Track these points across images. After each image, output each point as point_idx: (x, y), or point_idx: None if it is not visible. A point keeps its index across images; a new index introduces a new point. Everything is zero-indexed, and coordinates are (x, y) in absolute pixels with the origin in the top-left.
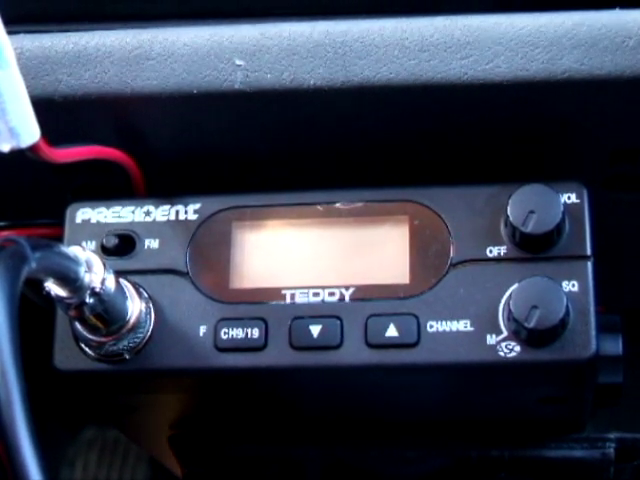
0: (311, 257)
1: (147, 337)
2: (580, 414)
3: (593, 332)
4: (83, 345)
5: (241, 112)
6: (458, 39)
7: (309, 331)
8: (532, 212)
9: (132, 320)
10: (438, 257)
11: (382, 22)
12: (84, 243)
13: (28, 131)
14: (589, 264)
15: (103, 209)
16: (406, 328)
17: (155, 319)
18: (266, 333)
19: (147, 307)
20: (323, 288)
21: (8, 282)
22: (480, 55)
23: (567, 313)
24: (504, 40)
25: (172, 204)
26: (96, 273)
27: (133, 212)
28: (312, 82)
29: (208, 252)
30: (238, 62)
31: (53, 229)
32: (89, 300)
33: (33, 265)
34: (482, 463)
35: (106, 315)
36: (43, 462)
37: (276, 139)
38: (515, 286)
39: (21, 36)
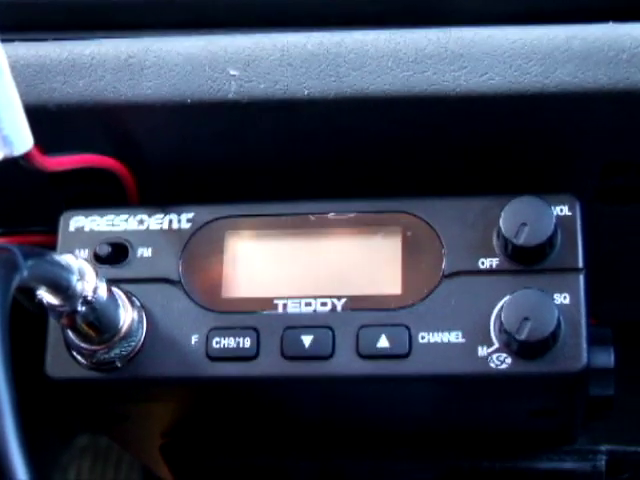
0: (303, 267)
1: (139, 346)
2: (571, 426)
3: (584, 345)
4: (75, 353)
5: (235, 122)
6: (452, 51)
7: (301, 341)
8: (524, 224)
9: (124, 329)
10: (430, 268)
11: (376, 33)
12: (77, 251)
13: (21, 139)
14: (581, 277)
15: (96, 217)
16: (397, 339)
17: (147, 328)
18: (258, 343)
19: (139, 316)
20: (315, 298)
21: None
22: (474, 67)
23: (558, 325)
24: (498, 52)
25: (165, 213)
26: (88, 281)
27: (126, 221)
28: (306, 93)
29: (201, 261)
30: (232, 72)
31: (46, 237)
32: (81, 308)
33: (25, 273)
34: (473, 475)
35: (98, 323)
36: (32, 470)
37: (269, 149)
38: (507, 298)
39: (15, 44)
